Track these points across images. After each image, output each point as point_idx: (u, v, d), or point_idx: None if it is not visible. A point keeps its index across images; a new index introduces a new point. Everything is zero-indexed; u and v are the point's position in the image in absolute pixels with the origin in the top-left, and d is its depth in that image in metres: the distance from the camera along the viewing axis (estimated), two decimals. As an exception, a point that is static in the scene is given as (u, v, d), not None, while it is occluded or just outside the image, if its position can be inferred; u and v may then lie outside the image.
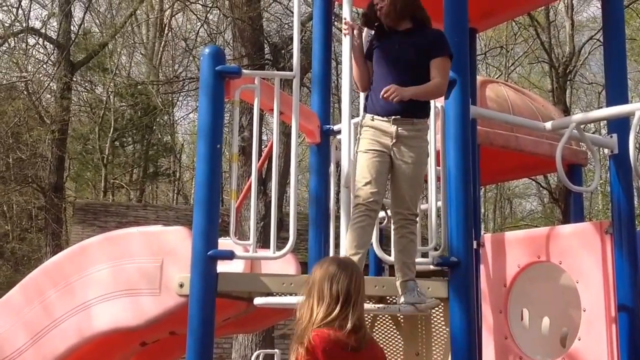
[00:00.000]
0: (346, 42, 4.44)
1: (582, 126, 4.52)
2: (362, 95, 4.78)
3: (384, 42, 4.28)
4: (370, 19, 4.36)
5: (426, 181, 4.77)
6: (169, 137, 29.45)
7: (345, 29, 4.41)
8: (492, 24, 6.40)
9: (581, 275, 4.42)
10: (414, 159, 4.11)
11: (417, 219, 4.28)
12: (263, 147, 6.59)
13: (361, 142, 4.20)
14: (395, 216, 4.17)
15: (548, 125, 4.75)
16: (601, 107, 18.31)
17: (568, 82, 23.10)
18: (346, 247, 4.08)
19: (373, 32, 4.45)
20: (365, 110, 4.27)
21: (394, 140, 4.11)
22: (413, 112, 4.15)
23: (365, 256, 4.11)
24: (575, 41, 23.24)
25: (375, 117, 4.18)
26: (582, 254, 4.43)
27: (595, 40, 23.88)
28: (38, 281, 5.08)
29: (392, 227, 4.21)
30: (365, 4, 4.85)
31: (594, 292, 4.34)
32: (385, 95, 3.98)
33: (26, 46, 24.00)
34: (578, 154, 6.44)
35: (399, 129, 4.11)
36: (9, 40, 23.63)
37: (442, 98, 4.43)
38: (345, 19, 4.50)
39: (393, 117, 4.11)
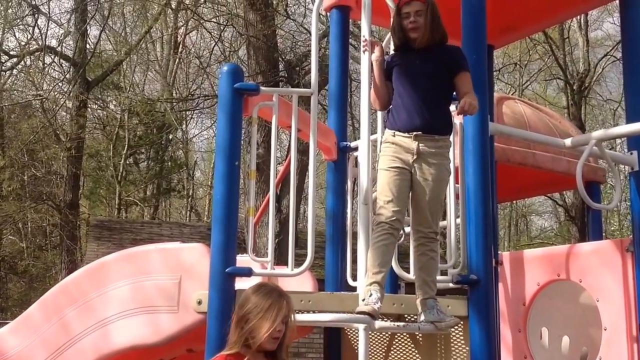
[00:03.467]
0: (365, 59, 4.44)
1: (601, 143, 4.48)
2: (379, 112, 4.78)
3: (405, 58, 4.25)
4: (396, 42, 4.32)
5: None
6: (182, 154, 29.55)
7: (364, 46, 4.41)
8: (509, 40, 6.40)
9: (602, 294, 4.38)
10: (434, 176, 4.07)
11: (438, 236, 4.24)
12: (278, 164, 6.58)
13: (382, 159, 4.16)
14: (416, 234, 4.14)
15: (568, 142, 4.72)
16: (617, 125, 18.23)
17: (583, 99, 23.05)
18: (368, 266, 4.03)
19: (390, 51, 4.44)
20: (388, 127, 4.24)
21: (415, 157, 4.07)
22: (436, 128, 4.12)
23: (386, 275, 4.06)
24: (590, 58, 23.20)
25: (397, 133, 4.13)
26: (602, 272, 4.39)
27: (610, 57, 23.84)
28: (57, 298, 5.08)
29: (412, 244, 4.19)
30: (383, 22, 4.86)
31: (615, 310, 4.30)
32: (466, 109, 3.95)
33: (43, 64, 24.21)
34: (597, 171, 6.40)
35: (421, 145, 4.07)
36: (25, 58, 23.87)
37: (460, 115, 4.41)
38: (364, 36, 4.49)
39: (415, 133, 4.08)
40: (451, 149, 4.42)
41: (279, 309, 3.19)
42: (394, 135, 4.15)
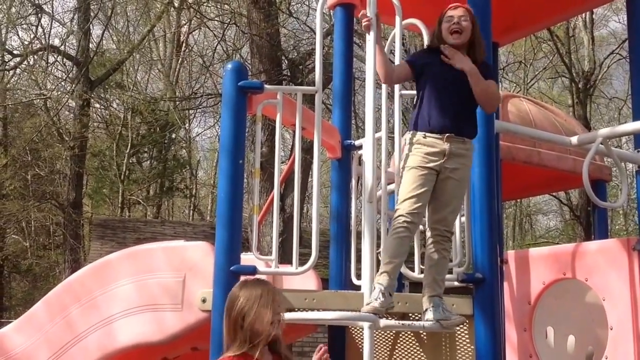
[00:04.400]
0: (370, 43, 4.34)
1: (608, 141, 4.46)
2: (383, 111, 4.76)
3: (437, 61, 4.23)
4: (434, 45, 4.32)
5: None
6: (185, 153, 29.55)
7: (365, 22, 4.29)
8: (514, 38, 6.38)
9: (608, 293, 4.36)
10: (459, 177, 4.11)
11: (452, 237, 4.22)
12: (282, 163, 6.56)
13: (412, 158, 4.15)
14: (433, 231, 4.14)
15: (574, 139, 4.70)
16: (623, 122, 18.20)
17: (588, 98, 23.01)
18: (381, 257, 4.07)
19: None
20: (416, 128, 4.21)
21: (445, 158, 4.09)
22: (466, 131, 4.16)
23: (399, 266, 4.08)
24: (596, 56, 23.15)
25: (428, 134, 4.14)
26: (608, 271, 4.37)
27: (615, 55, 23.80)
28: (61, 297, 5.08)
29: (428, 242, 4.17)
30: (389, 20, 4.83)
31: (621, 309, 4.27)
32: (449, 55, 4.02)
33: (46, 64, 24.23)
34: (602, 169, 6.38)
35: (452, 146, 4.10)
36: (28, 58, 23.88)
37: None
38: (362, 13, 4.35)
39: (447, 134, 4.10)
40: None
41: (272, 294, 3.16)
42: (424, 137, 4.15)
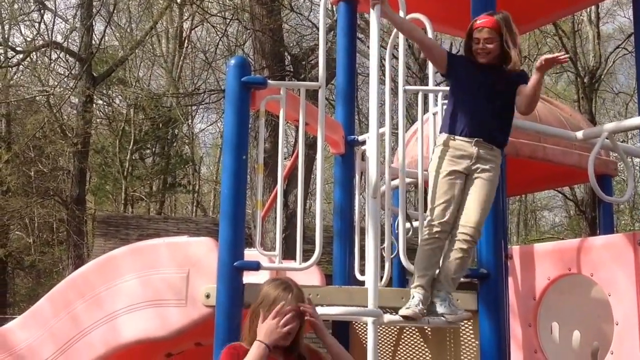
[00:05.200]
0: (374, 16, 4.18)
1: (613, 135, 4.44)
2: (387, 107, 4.74)
3: (475, 67, 4.21)
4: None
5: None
6: (188, 149, 29.55)
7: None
8: (520, 31, 6.32)
9: (613, 288, 4.34)
10: (489, 178, 4.10)
11: (478, 240, 4.18)
12: (285, 159, 6.56)
13: (439, 162, 4.17)
14: (459, 229, 4.11)
15: (579, 134, 4.68)
16: (630, 117, 18.14)
17: (594, 92, 22.95)
18: (415, 269, 4.13)
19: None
20: (445, 130, 4.22)
21: (473, 161, 4.10)
22: (496, 140, 4.16)
23: (432, 276, 4.10)
24: (602, 50, 23.08)
25: (457, 137, 4.15)
26: (614, 266, 4.35)
27: (621, 50, 23.73)
28: (65, 292, 5.08)
29: (452, 239, 4.14)
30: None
31: (627, 305, 4.25)
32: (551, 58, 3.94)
33: (49, 60, 24.23)
34: (608, 164, 6.35)
35: (480, 151, 4.10)
36: (31, 54, 23.89)
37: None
38: None
39: (476, 139, 4.10)
40: None
41: (284, 303, 3.17)
42: (453, 139, 4.16)
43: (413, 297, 4.04)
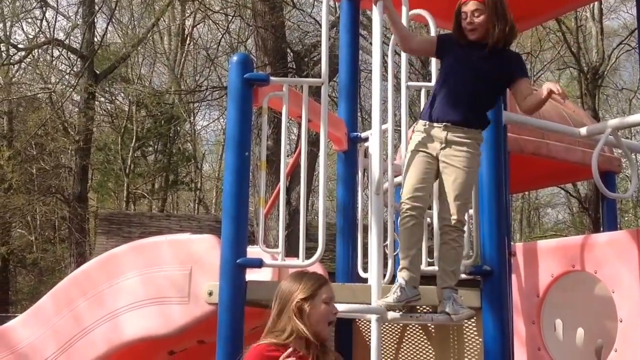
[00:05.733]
0: (377, 12, 4.21)
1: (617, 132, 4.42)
2: (389, 103, 4.73)
3: (463, 51, 4.15)
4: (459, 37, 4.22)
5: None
6: (190, 146, 29.54)
7: None
8: (522, 28, 6.29)
9: (617, 285, 4.32)
10: (459, 164, 4.02)
11: (464, 227, 4.14)
12: (287, 156, 6.55)
13: (410, 144, 4.17)
14: (440, 222, 4.12)
15: (583, 130, 4.66)
16: (634, 113, 18.09)
17: (597, 89, 22.90)
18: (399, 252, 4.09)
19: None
20: (424, 117, 4.20)
21: (442, 145, 4.05)
22: (466, 121, 4.08)
23: (417, 256, 4.07)
24: (605, 47, 23.03)
25: (429, 123, 4.12)
26: (618, 263, 4.33)
27: (624, 46, 23.67)
28: (68, 290, 5.08)
29: (437, 233, 4.15)
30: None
31: (631, 302, 4.23)
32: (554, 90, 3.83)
33: (51, 58, 24.23)
34: (612, 160, 6.33)
35: (449, 134, 4.04)
36: (33, 52, 23.89)
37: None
38: None
39: (445, 123, 4.05)
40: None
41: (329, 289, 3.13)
42: (426, 126, 4.14)
43: (397, 281, 3.98)
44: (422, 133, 4.13)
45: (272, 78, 4.35)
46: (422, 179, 4.03)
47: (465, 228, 4.43)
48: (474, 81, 4.04)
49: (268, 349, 3.05)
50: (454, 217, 4.02)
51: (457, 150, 4.04)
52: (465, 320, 4.28)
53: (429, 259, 4.45)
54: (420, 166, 4.06)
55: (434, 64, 4.95)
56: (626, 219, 28.69)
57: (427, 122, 4.13)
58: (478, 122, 4.12)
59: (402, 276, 3.98)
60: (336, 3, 5.97)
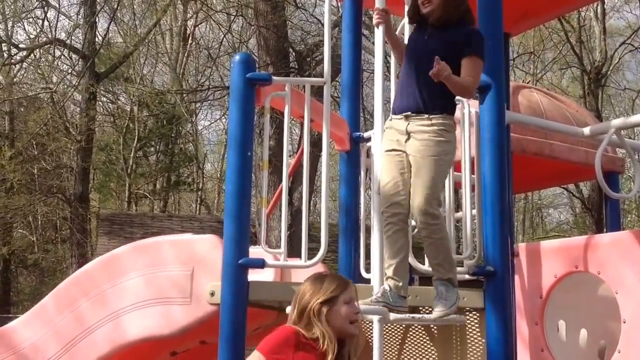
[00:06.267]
0: (379, 34, 4.31)
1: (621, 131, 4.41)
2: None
3: (417, 35, 4.18)
4: (412, 15, 4.24)
5: (459, 188, 4.69)
6: (192, 146, 29.52)
7: (377, 18, 4.26)
8: (525, 27, 6.31)
9: (621, 286, 4.31)
10: (423, 153, 3.95)
11: (438, 217, 3.98)
12: (289, 157, 6.54)
13: (382, 145, 4.15)
14: (414, 218, 4.03)
15: (586, 130, 4.65)
16: (637, 113, 18.05)
17: (600, 88, 22.86)
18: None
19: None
20: (392, 112, 4.19)
21: (405, 137, 4.01)
22: (427, 107, 4.01)
23: (401, 264, 4.00)
24: (608, 46, 22.99)
25: (393, 116, 4.11)
26: (621, 263, 4.32)
27: (627, 45, 23.64)
28: (70, 290, 5.07)
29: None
30: (398, 10, 4.78)
31: (635, 302, 4.23)
32: (433, 71, 3.78)
33: (52, 57, 24.21)
34: (615, 160, 6.31)
35: (410, 124, 4.01)
36: (35, 51, 23.87)
37: (477, 103, 4.35)
38: (377, 8, 4.33)
39: (405, 113, 4.03)
40: (467, 134, 4.34)
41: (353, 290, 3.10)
42: (390, 119, 4.13)
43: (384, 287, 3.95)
44: (388, 129, 4.12)
45: (274, 78, 4.34)
46: (394, 182, 3.99)
47: (469, 228, 4.42)
48: (426, 63, 3.92)
49: (300, 333, 3.01)
50: (423, 209, 3.92)
51: (417, 140, 3.98)
52: (468, 321, 4.27)
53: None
54: (391, 167, 4.03)
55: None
56: (629, 219, 28.63)
57: (391, 116, 4.12)
58: (437, 106, 4.01)
59: (387, 284, 3.96)
60: (338, 3, 5.95)
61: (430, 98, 4.01)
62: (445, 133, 3.99)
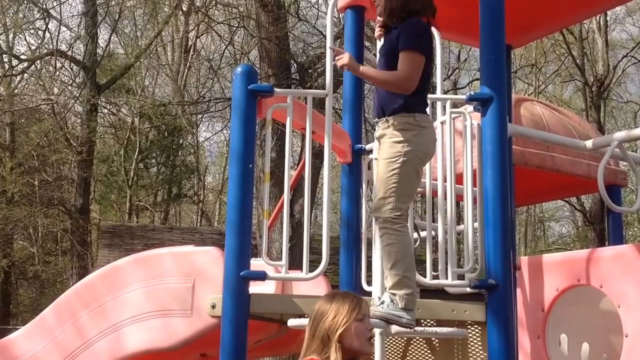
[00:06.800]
0: (380, 46, 4.33)
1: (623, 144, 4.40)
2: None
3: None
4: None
5: (461, 200, 4.67)
6: (193, 158, 29.54)
7: (379, 30, 4.29)
8: (528, 40, 6.29)
9: (623, 300, 4.29)
10: (381, 156, 3.95)
11: (394, 223, 3.85)
12: (291, 168, 6.52)
13: None
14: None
15: (589, 143, 4.64)
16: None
17: (602, 101, 22.88)
18: None
19: None
20: None
21: (379, 143, 4.06)
22: (383, 111, 4.02)
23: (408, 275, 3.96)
24: (610, 59, 23.04)
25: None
26: (624, 277, 4.30)
27: (630, 58, 23.69)
28: (70, 302, 5.06)
29: None
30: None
31: (637, 316, 4.20)
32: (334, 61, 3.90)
33: (53, 69, 24.25)
34: (617, 174, 6.30)
35: (377, 130, 4.05)
36: (36, 63, 23.91)
37: (479, 116, 4.33)
38: (378, 20, 4.36)
39: (375, 120, 4.08)
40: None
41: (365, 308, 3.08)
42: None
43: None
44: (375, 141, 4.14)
45: (276, 89, 4.33)
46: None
47: (471, 241, 4.38)
48: (380, 67, 4.00)
49: None
50: (374, 214, 3.90)
51: (382, 144, 3.99)
52: (470, 335, 4.24)
53: (433, 272, 4.41)
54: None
55: (439, 75, 4.94)
56: (631, 232, 28.59)
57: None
58: (393, 106, 3.97)
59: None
60: (340, 14, 5.95)
61: (385, 101, 4.00)
62: (402, 132, 3.92)
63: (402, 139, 3.90)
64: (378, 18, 4.32)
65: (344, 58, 3.88)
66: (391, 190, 3.87)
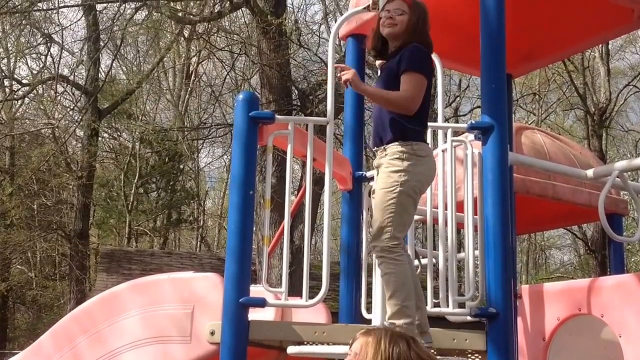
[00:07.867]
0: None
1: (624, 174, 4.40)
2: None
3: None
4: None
5: (461, 228, 4.67)
6: (193, 183, 29.55)
7: (380, 64, 4.34)
8: (528, 69, 6.32)
9: (624, 329, 4.27)
10: (379, 186, 3.95)
11: (390, 251, 3.86)
12: (292, 193, 6.52)
13: None
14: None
15: (590, 172, 4.64)
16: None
17: (604, 130, 22.93)
18: None
19: None
20: None
21: (377, 173, 4.06)
22: (381, 140, 4.03)
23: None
24: (612, 88, 23.14)
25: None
26: (625, 306, 4.29)
27: (632, 87, 23.79)
28: (68, 327, 5.01)
29: None
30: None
31: (638, 346, 4.18)
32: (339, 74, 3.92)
33: (55, 93, 24.34)
34: (618, 203, 6.30)
35: (376, 160, 4.05)
36: (37, 87, 24.00)
37: (480, 144, 4.34)
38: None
39: (375, 148, 4.07)
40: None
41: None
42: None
43: None
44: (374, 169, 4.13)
45: (277, 116, 4.34)
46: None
47: (471, 269, 4.37)
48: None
49: None
50: (372, 243, 3.92)
51: (380, 174, 3.99)
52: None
53: (434, 300, 4.40)
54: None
55: (440, 103, 4.96)
56: (633, 260, 28.51)
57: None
58: (391, 134, 3.99)
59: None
60: (341, 41, 5.98)
61: (384, 128, 4.00)
62: (399, 161, 3.93)
63: (399, 168, 3.91)
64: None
65: (348, 73, 3.90)
66: (388, 220, 3.87)
